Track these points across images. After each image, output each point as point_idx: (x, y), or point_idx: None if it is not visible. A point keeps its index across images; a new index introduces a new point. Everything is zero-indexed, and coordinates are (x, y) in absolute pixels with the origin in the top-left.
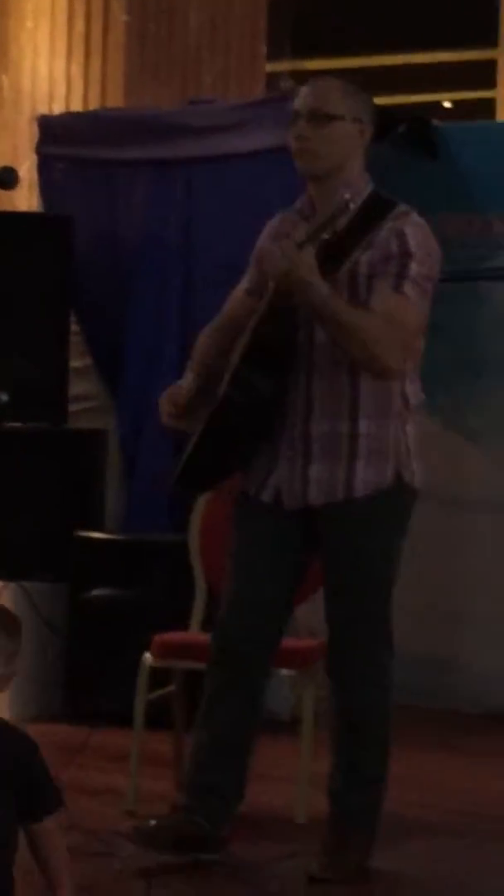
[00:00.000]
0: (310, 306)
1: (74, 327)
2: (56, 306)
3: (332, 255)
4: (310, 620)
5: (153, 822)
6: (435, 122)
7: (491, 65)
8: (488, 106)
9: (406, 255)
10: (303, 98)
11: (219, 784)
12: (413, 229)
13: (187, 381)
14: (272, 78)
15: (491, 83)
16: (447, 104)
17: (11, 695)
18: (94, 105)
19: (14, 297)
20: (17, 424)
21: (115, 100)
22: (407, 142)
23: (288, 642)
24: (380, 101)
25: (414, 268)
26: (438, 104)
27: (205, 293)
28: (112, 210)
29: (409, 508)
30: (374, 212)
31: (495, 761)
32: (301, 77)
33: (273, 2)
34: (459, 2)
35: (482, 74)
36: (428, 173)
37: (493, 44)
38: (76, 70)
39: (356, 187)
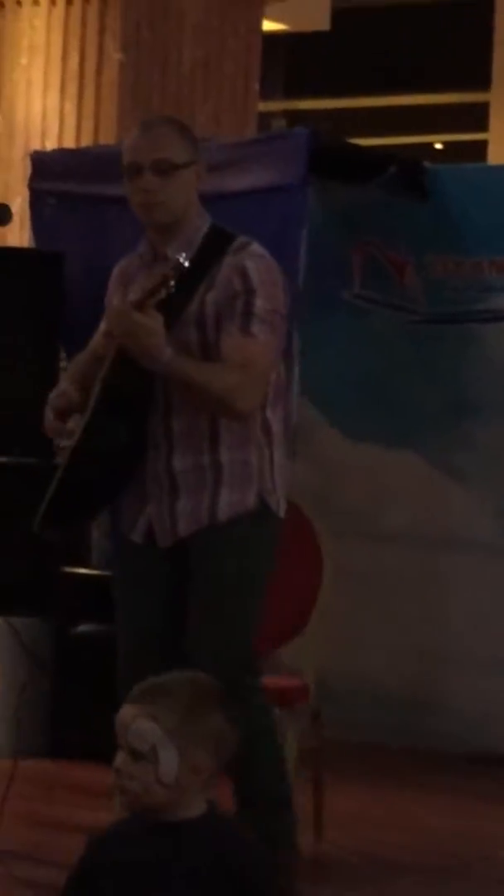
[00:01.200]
0: (151, 370)
1: (63, 363)
2: (45, 342)
3: (178, 296)
4: (292, 659)
5: None
6: (426, 163)
7: (482, 107)
8: (479, 148)
9: (249, 292)
10: (143, 149)
11: None
12: (253, 263)
13: (66, 385)
14: (264, 117)
15: (482, 125)
16: (438, 146)
17: None
18: (86, 141)
19: (3, 332)
20: (4, 459)
21: (108, 136)
22: (397, 183)
23: (271, 681)
24: (371, 141)
25: (259, 304)
26: (429, 146)
27: None
28: (103, 247)
29: (273, 535)
30: (214, 247)
31: (477, 802)
32: (293, 117)
33: (266, 42)
34: (452, 44)
35: (474, 116)
36: (418, 215)
37: (485, 86)
38: (69, 106)
39: (196, 228)
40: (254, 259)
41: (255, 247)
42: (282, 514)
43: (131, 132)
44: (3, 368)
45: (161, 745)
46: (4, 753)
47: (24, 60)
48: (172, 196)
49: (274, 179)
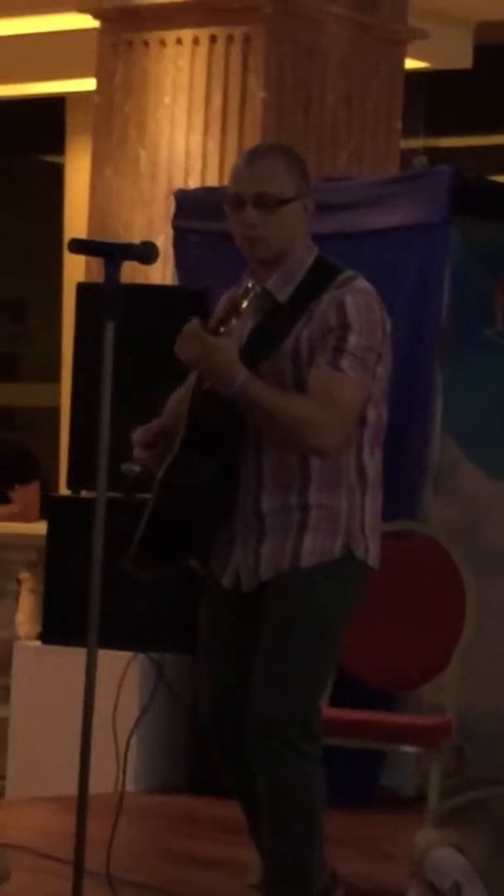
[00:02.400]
0: (226, 394)
1: None
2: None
3: (276, 329)
4: (435, 697)
5: None
6: None
7: None
8: None
9: (344, 327)
10: (246, 181)
11: None
12: (353, 297)
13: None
14: (405, 155)
15: None
16: None
17: (137, 765)
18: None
19: (148, 369)
20: (146, 497)
21: None
22: None
23: (414, 719)
24: None
25: (352, 340)
26: None
27: None
28: None
29: (357, 585)
30: (317, 280)
31: None
32: (433, 154)
33: (407, 79)
34: None
35: None
36: None
37: None
38: (212, 145)
39: (300, 261)
40: (354, 294)
41: (360, 282)
42: (371, 561)
43: (238, 161)
44: (147, 405)
45: (467, 882)
46: (145, 788)
47: (167, 99)
48: (275, 232)
49: (417, 217)
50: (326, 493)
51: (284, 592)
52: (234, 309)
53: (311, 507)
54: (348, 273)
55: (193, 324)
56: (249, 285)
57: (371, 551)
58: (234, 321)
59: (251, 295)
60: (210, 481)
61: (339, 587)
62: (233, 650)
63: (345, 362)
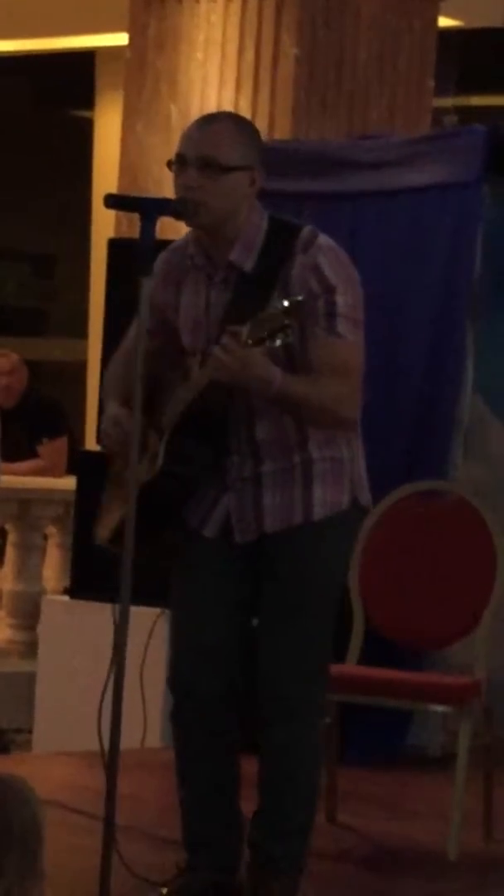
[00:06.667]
0: (263, 398)
1: None
2: None
3: (251, 301)
4: (464, 657)
5: (164, 891)
6: None
7: None
8: None
9: (329, 290)
10: (193, 143)
11: (215, 834)
12: (325, 258)
13: (116, 409)
14: (436, 113)
15: None
16: None
17: (164, 720)
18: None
19: None
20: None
21: (282, 132)
22: None
23: (443, 678)
24: None
25: (340, 301)
26: None
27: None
28: None
29: (357, 531)
30: (278, 242)
31: None
32: (465, 113)
33: (439, 37)
34: None
35: None
36: None
37: None
38: (244, 102)
39: (256, 227)
40: (325, 254)
41: (323, 239)
42: (366, 503)
43: (192, 123)
44: None
45: None
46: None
47: (199, 55)
48: (215, 198)
49: (450, 176)
50: (326, 447)
51: (296, 546)
52: (282, 329)
53: (315, 460)
54: (307, 229)
55: (219, 349)
56: (300, 298)
57: (367, 494)
58: (277, 342)
59: (301, 309)
60: (206, 466)
61: (347, 539)
62: (211, 604)
63: (341, 326)
